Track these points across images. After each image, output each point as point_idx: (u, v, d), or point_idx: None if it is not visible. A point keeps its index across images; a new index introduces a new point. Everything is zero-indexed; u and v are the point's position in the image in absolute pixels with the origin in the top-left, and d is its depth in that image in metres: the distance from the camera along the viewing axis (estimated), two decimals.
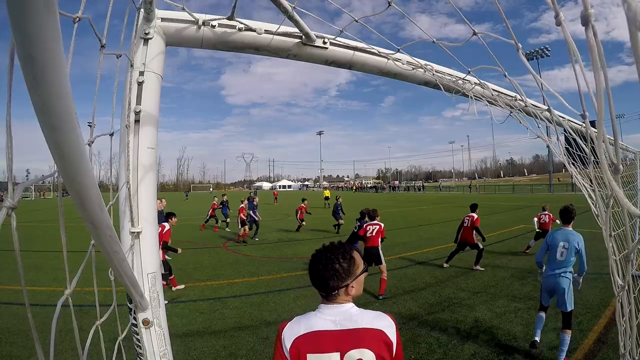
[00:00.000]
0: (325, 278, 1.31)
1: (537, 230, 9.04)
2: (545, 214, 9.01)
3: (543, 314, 3.98)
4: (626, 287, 1.54)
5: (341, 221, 13.64)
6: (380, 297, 5.73)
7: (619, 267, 1.65)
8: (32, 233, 13.96)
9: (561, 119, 2.81)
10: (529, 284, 6.23)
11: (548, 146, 2.41)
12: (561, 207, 4.08)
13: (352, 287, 1.33)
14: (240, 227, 11.70)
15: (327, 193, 29.14)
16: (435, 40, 1.68)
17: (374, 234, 6.00)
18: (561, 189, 41.16)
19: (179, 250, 6.65)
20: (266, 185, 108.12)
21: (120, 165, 1.36)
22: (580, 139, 2.19)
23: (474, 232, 7.57)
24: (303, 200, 14.59)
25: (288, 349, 1.32)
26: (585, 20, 0.54)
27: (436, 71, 2.08)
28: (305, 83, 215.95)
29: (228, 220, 14.54)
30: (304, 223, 13.83)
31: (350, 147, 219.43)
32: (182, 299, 5.86)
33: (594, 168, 2.05)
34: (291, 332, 1.33)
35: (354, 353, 1.24)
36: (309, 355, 1.26)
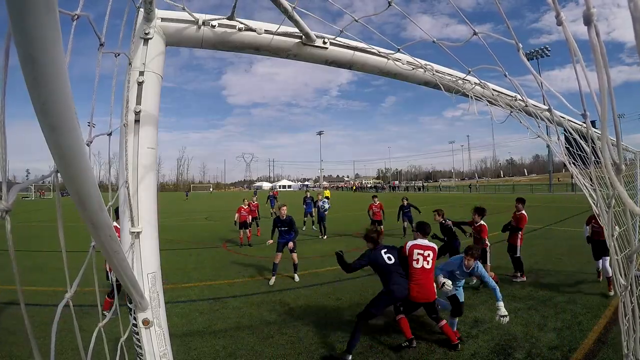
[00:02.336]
0: (429, 228, 4.52)
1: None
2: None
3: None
4: (629, 287, 1.54)
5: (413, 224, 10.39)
6: None
7: (620, 266, 1.65)
8: (32, 233, 13.96)
9: (562, 118, 2.81)
10: (529, 284, 6.23)
11: (548, 146, 2.41)
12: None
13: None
14: (247, 228, 10.99)
15: (327, 193, 29.05)
16: (435, 40, 1.68)
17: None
18: (561, 189, 41.17)
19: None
20: (266, 185, 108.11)
21: (120, 165, 1.35)
22: (581, 139, 2.19)
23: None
24: (374, 197, 11.99)
25: (408, 248, 4.21)
26: (588, 20, 0.54)
27: (436, 71, 2.08)
28: (307, 83, 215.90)
29: (313, 218, 14.16)
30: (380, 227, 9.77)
31: (350, 147, 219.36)
32: (182, 299, 5.86)
33: (595, 168, 2.04)
34: (410, 243, 4.28)
35: (429, 250, 4.18)
36: (415, 250, 4.16)
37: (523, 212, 6.92)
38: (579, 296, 5.46)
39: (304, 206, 14.41)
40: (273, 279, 6.71)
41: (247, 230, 11.02)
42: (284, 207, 7.06)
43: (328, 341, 4.24)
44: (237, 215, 11.06)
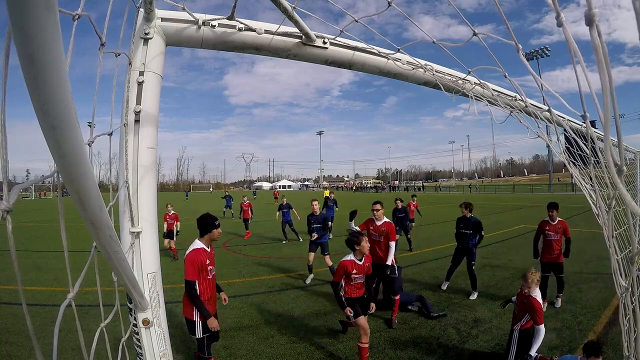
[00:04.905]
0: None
1: None
2: None
3: None
4: (630, 289, 1.54)
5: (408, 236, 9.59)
6: None
7: (621, 267, 1.65)
8: (32, 233, 13.96)
9: (561, 119, 2.81)
10: None
11: (548, 146, 2.41)
12: None
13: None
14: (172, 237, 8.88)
15: (327, 193, 29.05)
16: (435, 40, 1.67)
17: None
18: (561, 188, 41.14)
19: None
20: (266, 185, 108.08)
21: (120, 165, 1.35)
22: (581, 139, 2.18)
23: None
24: (413, 196, 11.92)
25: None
26: (590, 20, 0.54)
27: (436, 71, 2.08)
28: (308, 83, 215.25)
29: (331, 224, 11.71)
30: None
31: (350, 147, 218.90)
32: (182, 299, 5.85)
33: (595, 168, 2.04)
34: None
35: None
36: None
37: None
38: (579, 296, 5.46)
39: (280, 212, 11.85)
40: (309, 278, 6.75)
41: (172, 241, 8.85)
42: (316, 202, 7.25)
43: (328, 341, 4.23)
44: (165, 224, 8.73)
